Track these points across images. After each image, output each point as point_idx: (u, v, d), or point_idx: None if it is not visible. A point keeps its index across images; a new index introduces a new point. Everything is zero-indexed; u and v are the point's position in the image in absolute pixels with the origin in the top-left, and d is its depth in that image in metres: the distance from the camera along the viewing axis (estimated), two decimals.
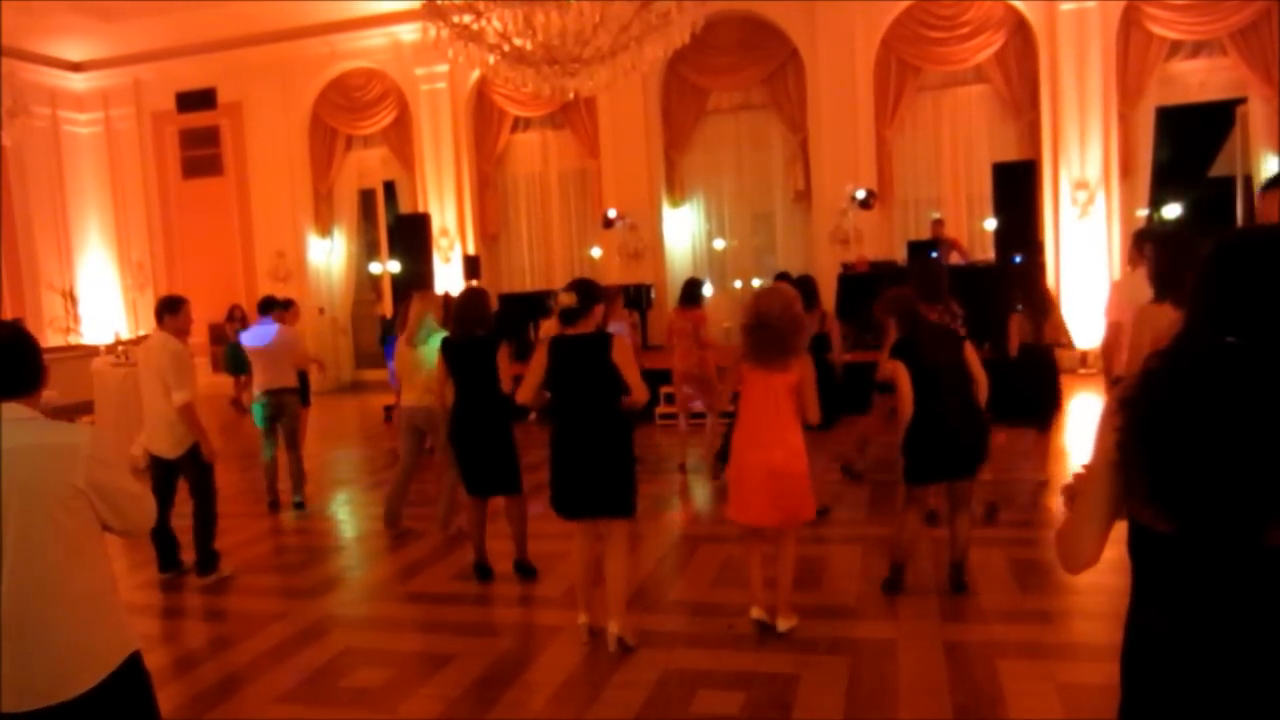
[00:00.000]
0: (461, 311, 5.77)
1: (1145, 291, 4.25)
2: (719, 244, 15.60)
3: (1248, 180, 13.50)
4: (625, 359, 4.49)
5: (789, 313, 4.50)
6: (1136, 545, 1.74)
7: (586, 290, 4.63)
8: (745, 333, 4.57)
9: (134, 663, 2.37)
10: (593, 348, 4.53)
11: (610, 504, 4.57)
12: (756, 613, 4.65)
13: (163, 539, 6.15)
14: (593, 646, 4.62)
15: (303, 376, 8.57)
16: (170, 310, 6.05)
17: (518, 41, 9.23)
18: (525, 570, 5.74)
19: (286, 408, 8.03)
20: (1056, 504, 6.77)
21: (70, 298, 17.16)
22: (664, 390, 10.36)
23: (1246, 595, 1.59)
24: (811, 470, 6.40)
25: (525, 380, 4.70)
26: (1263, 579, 1.58)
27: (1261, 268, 1.62)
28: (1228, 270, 1.66)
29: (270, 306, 8.41)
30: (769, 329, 4.46)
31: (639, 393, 4.50)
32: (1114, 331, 5.28)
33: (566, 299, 4.59)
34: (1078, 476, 1.90)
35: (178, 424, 5.94)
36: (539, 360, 4.64)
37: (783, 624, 4.58)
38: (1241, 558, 1.58)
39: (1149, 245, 4.44)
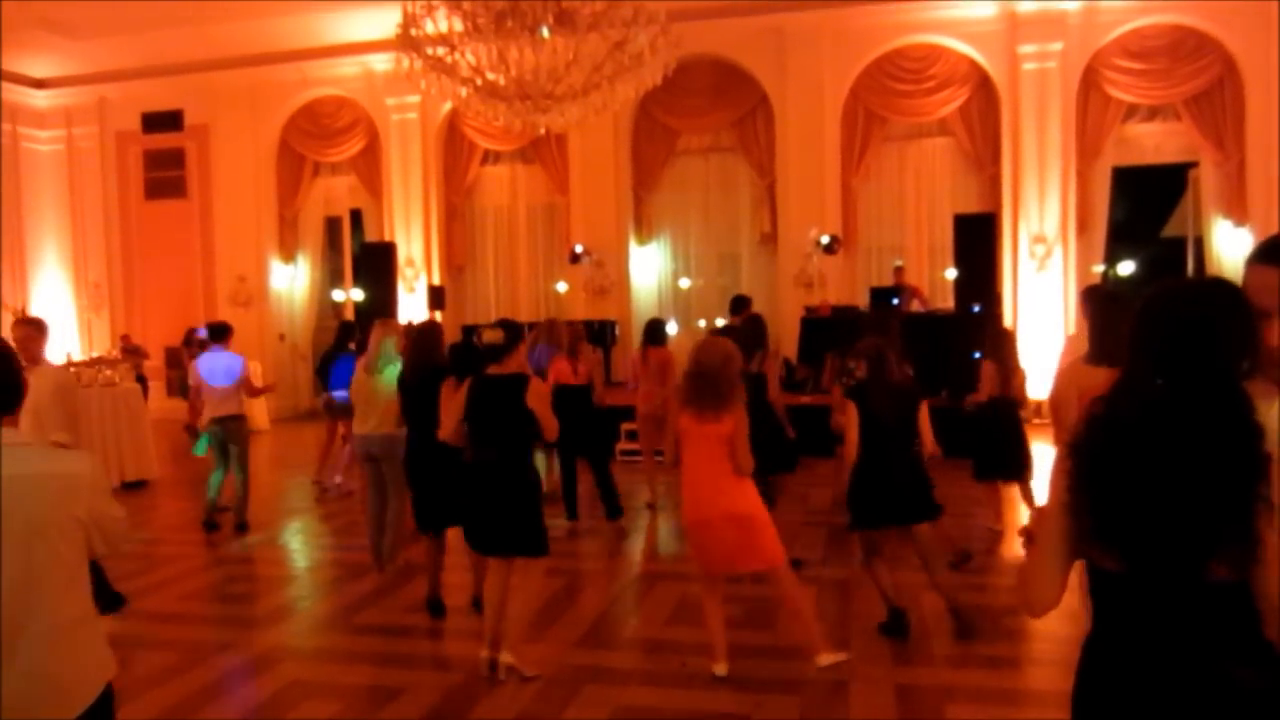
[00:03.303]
0: (414, 348, 5.76)
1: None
2: (685, 283, 15.71)
3: (1198, 241, 13.91)
4: (539, 403, 4.63)
5: (727, 366, 4.53)
6: (1091, 583, 1.81)
7: (512, 329, 4.77)
8: (684, 381, 4.65)
9: (108, 690, 2.34)
10: (509, 389, 4.63)
11: (522, 544, 4.64)
12: (721, 669, 4.54)
13: None
14: (544, 683, 4.57)
15: None
16: None
17: (491, 76, 9.31)
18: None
19: (229, 433, 8.08)
20: (1011, 551, 6.84)
21: (23, 316, 16.80)
22: (626, 427, 10.37)
23: (1190, 628, 1.66)
24: (778, 518, 6.45)
25: (446, 417, 4.83)
26: (1205, 613, 1.65)
27: (1178, 318, 1.72)
28: (1151, 321, 1.76)
29: (220, 334, 8.42)
30: (705, 377, 4.49)
31: (549, 433, 4.66)
32: None
33: (493, 336, 4.69)
34: (1034, 518, 1.96)
35: None
36: (459, 398, 4.73)
37: (825, 659, 4.50)
38: (1184, 593, 1.65)
39: (1086, 305, 4.55)
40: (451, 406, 4.79)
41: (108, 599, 5.71)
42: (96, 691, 2.26)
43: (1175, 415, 1.66)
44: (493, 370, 4.72)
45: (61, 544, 2.21)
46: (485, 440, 4.66)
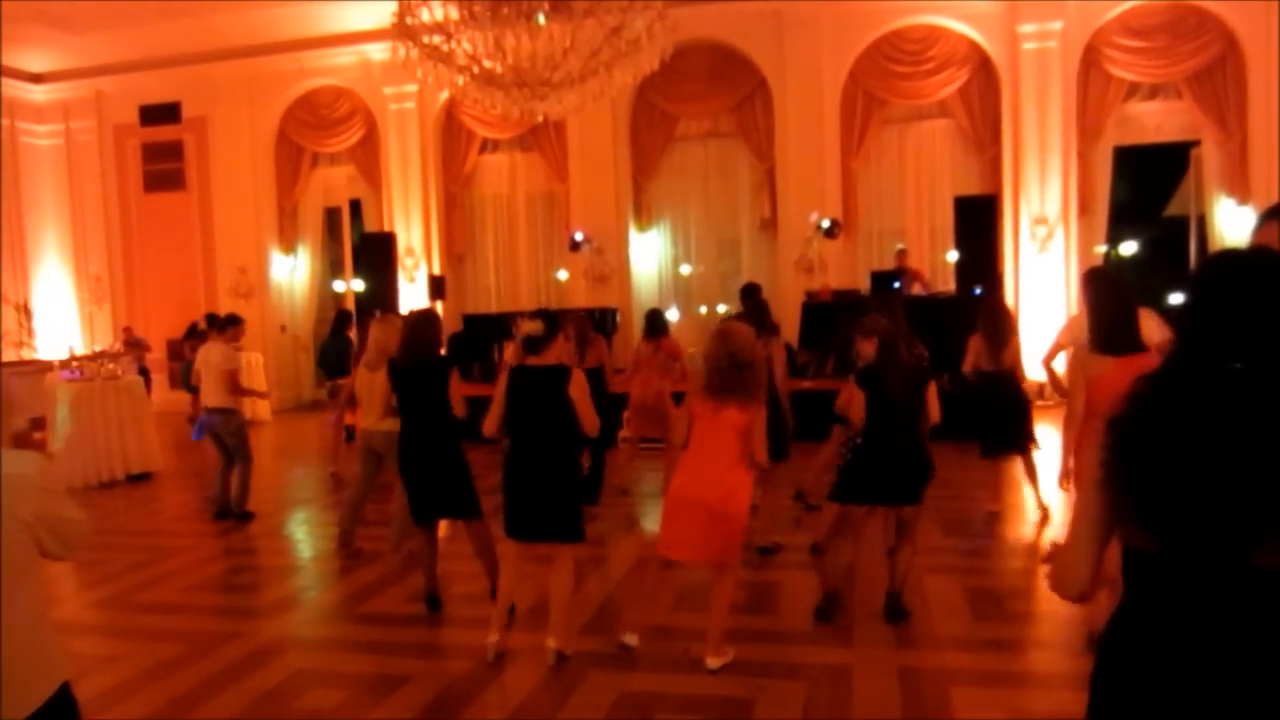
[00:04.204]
0: (411, 335, 5.63)
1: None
2: (685, 270, 15.68)
3: (1201, 220, 13.85)
4: (581, 394, 4.63)
5: (756, 353, 4.53)
6: (1124, 561, 1.74)
7: (552, 319, 4.82)
8: (715, 372, 4.51)
9: (65, 691, 2.31)
10: (551, 380, 4.65)
11: (560, 530, 4.69)
12: (631, 638, 4.68)
13: None
14: (548, 670, 4.60)
15: None
16: None
17: (487, 64, 9.28)
18: None
19: (219, 425, 8.11)
20: (1011, 534, 6.85)
21: (25, 311, 16.82)
22: (627, 415, 10.36)
23: (1232, 615, 1.57)
24: (766, 502, 6.45)
25: (490, 411, 4.79)
26: (1248, 599, 1.56)
27: (1252, 290, 1.61)
28: (1218, 294, 1.65)
29: (220, 325, 8.49)
30: (739, 366, 4.44)
31: (591, 427, 4.67)
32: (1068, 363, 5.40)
33: (532, 327, 4.70)
34: (1054, 546, 1.93)
35: None
36: (500, 390, 4.74)
37: (713, 661, 4.50)
38: (1227, 578, 1.56)
39: (1087, 290, 4.51)
40: (494, 400, 4.78)
41: None
42: (48, 692, 2.23)
43: (1237, 395, 1.56)
44: (532, 361, 4.73)
45: (4, 545, 2.15)
46: (525, 430, 4.68)
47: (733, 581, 4.70)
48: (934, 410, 5.09)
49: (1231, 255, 1.73)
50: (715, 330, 4.74)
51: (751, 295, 8.07)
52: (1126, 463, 1.64)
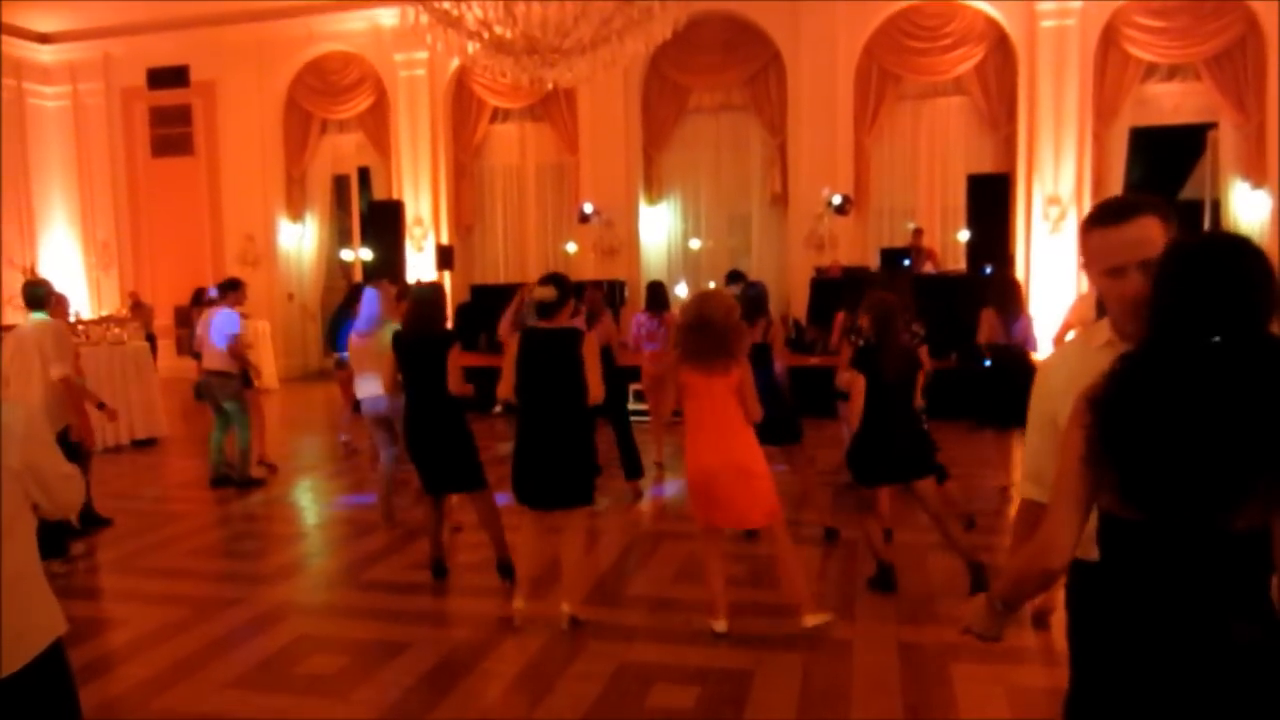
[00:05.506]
0: (415, 309, 5.61)
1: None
2: (695, 244, 15.60)
3: (1215, 204, 13.72)
4: (591, 358, 4.59)
5: (730, 317, 4.50)
6: (1102, 527, 1.80)
7: (563, 284, 4.73)
8: (685, 334, 4.53)
9: (58, 646, 2.30)
10: (564, 343, 4.61)
11: (570, 495, 4.67)
12: (720, 625, 4.52)
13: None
14: (549, 638, 4.60)
15: None
16: None
17: (498, 30, 9.20)
18: (506, 570, 5.39)
19: (215, 390, 8.07)
20: (1012, 510, 6.83)
21: (32, 275, 16.83)
22: (634, 388, 10.34)
23: (1200, 578, 1.66)
24: (792, 486, 6.42)
25: (504, 374, 4.75)
26: (1217, 564, 1.65)
27: (1221, 269, 1.68)
28: (1189, 273, 1.71)
29: (223, 290, 8.46)
30: (711, 329, 4.43)
31: (596, 391, 4.58)
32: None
33: (544, 293, 4.66)
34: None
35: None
36: (511, 353, 4.71)
37: (811, 619, 4.46)
38: (1201, 542, 1.65)
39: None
40: (505, 364, 4.74)
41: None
42: (41, 646, 2.23)
43: (1217, 369, 1.63)
44: (544, 324, 4.71)
45: None
46: (537, 394, 4.65)
47: (787, 542, 4.61)
48: (916, 396, 5.21)
49: (1195, 238, 1.81)
50: (693, 295, 4.76)
51: (738, 280, 8.13)
52: (1109, 439, 1.71)
